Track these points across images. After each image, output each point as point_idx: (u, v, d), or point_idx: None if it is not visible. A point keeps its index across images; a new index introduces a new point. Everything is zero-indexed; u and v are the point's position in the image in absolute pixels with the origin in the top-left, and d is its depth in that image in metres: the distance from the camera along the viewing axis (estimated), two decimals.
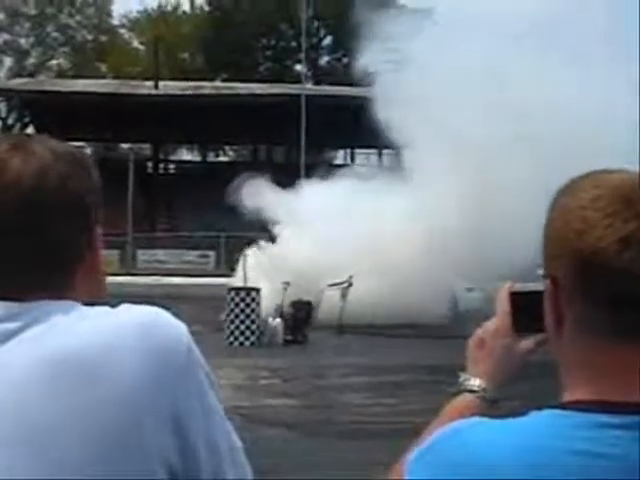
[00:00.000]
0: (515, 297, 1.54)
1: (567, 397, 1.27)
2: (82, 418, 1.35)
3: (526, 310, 1.45)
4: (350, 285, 22.13)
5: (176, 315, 1.49)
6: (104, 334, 1.40)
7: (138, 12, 66.79)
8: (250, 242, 25.02)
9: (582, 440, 1.19)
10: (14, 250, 1.47)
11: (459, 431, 1.29)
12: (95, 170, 1.56)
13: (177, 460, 1.40)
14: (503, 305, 1.56)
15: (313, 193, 25.21)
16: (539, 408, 1.26)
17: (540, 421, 1.24)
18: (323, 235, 22.70)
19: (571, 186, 1.30)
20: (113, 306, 1.47)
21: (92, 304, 1.49)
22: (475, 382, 1.60)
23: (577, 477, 1.17)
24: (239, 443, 1.52)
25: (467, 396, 1.59)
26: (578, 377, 1.26)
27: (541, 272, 1.32)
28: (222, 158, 65.24)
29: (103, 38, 66.27)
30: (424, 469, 1.27)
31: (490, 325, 1.60)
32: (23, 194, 1.45)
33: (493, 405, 1.58)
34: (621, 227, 1.20)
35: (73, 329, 1.40)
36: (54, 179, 1.49)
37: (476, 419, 1.34)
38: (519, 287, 1.53)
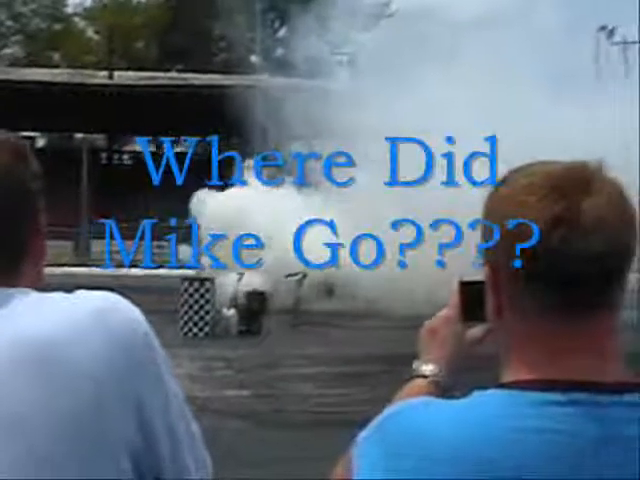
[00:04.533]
0: (463, 287, 1.57)
1: (508, 378, 1.29)
2: (46, 407, 1.35)
3: (474, 299, 1.48)
4: (305, 276, 22.15)
5: (134, 303, 1.49)
6: (63, 322, 1.40)
7: (93, 1, 66.20)
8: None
9: (528, 417, 1.22)
10: None
11: (404, 409, 1.32)
12: (34, 157, 1.56)
13: (140, 445, 1.42)
14: (454, 295, 1.61)
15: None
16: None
17: (484, 400, 1.26)
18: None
19: (507, 177, 1.34)
20: (68, 292, 1.47)
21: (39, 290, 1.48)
22: (428, 367, 1.63)
23: (524, 453, 1.20)
24: (197, 427, 1.53)
25: (420, 381, 1.62)
26: (519, 359, 1.29)
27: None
28: (177, 149, 64.64)
29: (57, 27, 65.50)
30: (371, 448, 1.29)
31: (442, 314, 1.64)
32: None
33: (446, 392, 1.60)
34: (551, 208, 1.24)
35: (33, 317, 1.40)
36: None
37: (423, 398, 1.37)
38: (468, 277, 1.57)
